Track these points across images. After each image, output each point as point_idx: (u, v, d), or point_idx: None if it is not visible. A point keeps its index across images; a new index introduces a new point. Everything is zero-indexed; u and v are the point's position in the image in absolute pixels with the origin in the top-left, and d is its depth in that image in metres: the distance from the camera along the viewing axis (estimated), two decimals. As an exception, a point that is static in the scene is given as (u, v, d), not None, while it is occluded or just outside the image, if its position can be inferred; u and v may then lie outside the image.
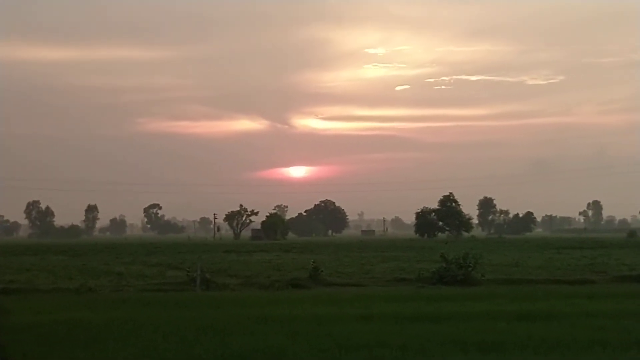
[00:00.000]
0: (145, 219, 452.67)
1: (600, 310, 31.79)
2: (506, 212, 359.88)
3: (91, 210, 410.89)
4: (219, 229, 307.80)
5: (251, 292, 45.66)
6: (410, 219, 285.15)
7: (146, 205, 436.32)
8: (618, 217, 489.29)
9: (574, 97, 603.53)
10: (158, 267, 67.86)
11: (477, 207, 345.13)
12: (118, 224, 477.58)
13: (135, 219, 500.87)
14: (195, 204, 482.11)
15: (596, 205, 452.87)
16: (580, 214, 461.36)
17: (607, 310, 32.05)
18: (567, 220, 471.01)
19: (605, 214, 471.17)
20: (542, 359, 21.85)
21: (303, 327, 26.98)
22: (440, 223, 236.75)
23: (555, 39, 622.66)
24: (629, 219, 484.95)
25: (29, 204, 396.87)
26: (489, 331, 25.75)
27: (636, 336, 24.68)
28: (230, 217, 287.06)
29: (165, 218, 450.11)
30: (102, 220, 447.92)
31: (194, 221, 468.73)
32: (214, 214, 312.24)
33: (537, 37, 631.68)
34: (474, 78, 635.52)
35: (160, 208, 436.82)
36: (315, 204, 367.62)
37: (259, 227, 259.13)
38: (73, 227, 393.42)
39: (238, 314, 31.16)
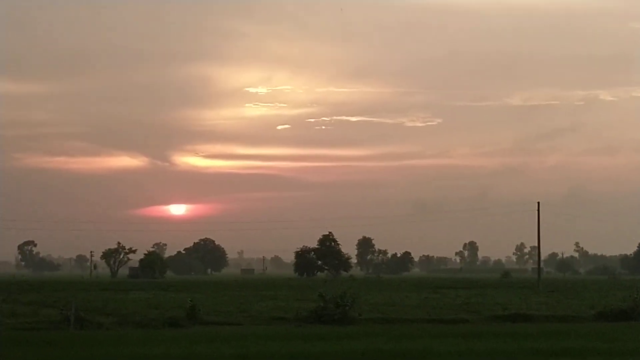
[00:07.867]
0: (20, 256, 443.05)
1: (474, 349, 32.23)
2: (384, 252, 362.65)
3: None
4: (95, 267, 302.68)
5: (127, 331, 45.06)
6: (290, 258, 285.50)
7: (20, 242, 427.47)
8: (493, 258, 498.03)
9: (452, 140, 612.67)
10: (31, 306, 66.40)
11: (356, 247, 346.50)
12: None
13: (9, 256, 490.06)
14: (72, 241, 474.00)
15: (472, 246, 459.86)
16: (456, 254, 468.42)
17: (480, 349, 32.51)
18: (443, 260, 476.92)
19: (481, 254, 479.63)
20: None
21: (178, 367, 26.73)
22: (320, 262, 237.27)
23: (431, 83, 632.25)
24: (503, 259, 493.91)
25: None
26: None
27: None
28: (108, 255, 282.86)
29: (41, 255, 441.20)
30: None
31: (70, 259, 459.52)
32: (91, 252, 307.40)
33: (414, 80, 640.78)
34: (353, 119, 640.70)
35: (35, 245, 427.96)
36: (194, 242, 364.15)
37: (137, 265, 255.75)
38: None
39: (112, 354, 30.71)
